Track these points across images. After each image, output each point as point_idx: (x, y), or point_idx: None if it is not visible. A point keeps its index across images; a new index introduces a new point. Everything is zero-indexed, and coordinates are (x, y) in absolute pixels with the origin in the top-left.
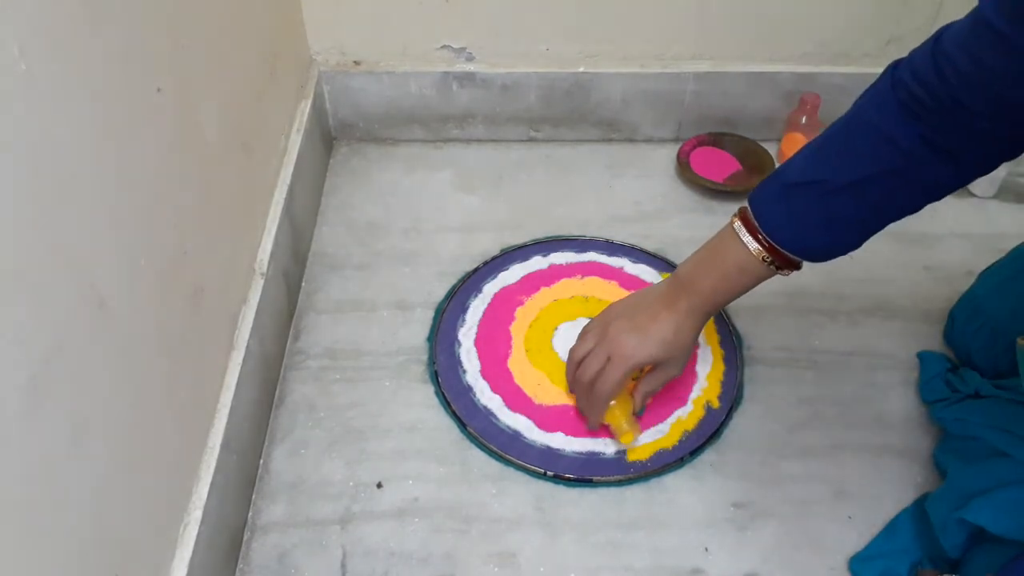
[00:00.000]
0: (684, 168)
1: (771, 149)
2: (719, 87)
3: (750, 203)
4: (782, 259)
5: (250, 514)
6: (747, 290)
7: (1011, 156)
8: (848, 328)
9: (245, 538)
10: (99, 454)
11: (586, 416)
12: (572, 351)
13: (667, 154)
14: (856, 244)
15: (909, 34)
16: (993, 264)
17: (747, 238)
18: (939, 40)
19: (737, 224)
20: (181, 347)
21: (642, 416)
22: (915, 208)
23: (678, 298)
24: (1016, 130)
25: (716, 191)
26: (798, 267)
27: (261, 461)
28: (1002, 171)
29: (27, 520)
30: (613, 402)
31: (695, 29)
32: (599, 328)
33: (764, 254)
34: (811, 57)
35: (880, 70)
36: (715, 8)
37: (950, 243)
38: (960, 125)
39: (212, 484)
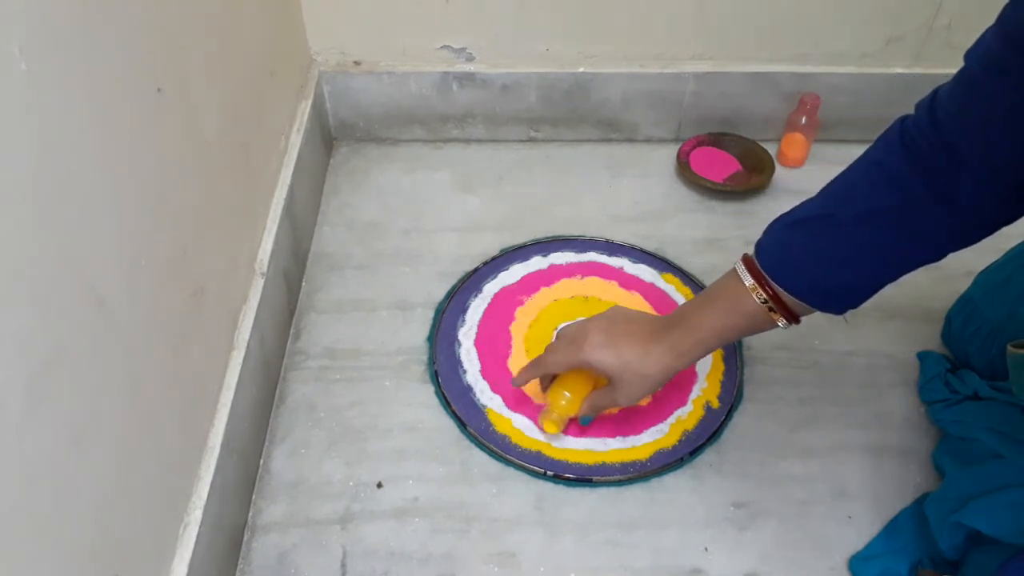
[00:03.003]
0: (684, 168)
1: (771, 149)
2: (719, 87)
3: (757, 243)
4: (777, 301)
5: (250, 514)
6: (739, 334)
7: (1012, 213)
8: (848, 328)
9: (245, 538)
10: (99, 454)
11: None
12: (562, 327)
13: (667, 154)
14: (850, 290)
15: (909, 34)
16: (989, 266)
17: (743, 271)
18: (936, 92)
19: (739, 262)
20: (181, 347)
21: (585, 428)
22: (914, 258)
23: (664, 330)
24: (1007, 180)
25: (716, 191)
26: (795, 318)
27: (261, 461)
28: None
29: (27, 520)
30: (568, 394)
31: (695, 29)
32: (590, 319)
33: (758, 290)
34: (811, 57)
35: (880, 70)
36: (715, 8)
37: None
38: (955, 170)
39: (212, 484)
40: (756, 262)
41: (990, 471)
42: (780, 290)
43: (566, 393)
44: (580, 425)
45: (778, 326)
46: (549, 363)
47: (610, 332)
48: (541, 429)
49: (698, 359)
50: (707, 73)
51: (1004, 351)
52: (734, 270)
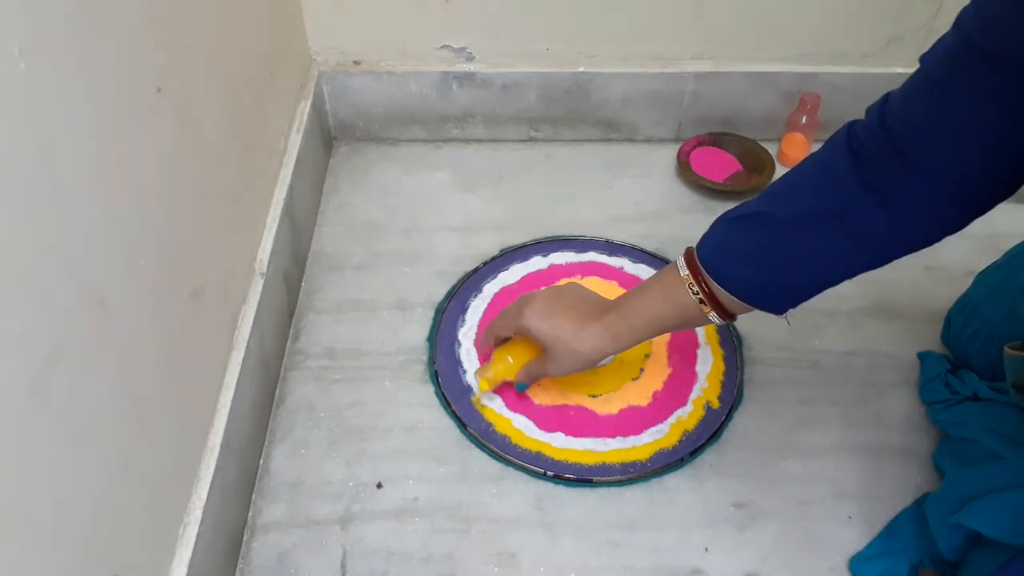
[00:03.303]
0: (684, 168)
1: (771, 149)
2: (719, 87)
3: (701, 237)
4: (711, 295)
5: (250, 514)
6: (673, 325)
7: (955, 221)
8: (848, 328)
9: (245, 538)
10: (99, 454)
11: None
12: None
13: (667, 154)
14: (783, 289)
15: (909, 34)
16: (988, 267)
17: (681, 263)
18: (887, 97)
19: (681, 255)
20: (181, 347)
21: (520, 393)
22: (850, 262)
23: (603, 312)
24: (956, 185)
25: (716, 191)
26: (729, 315)
27: (261, 461)
28: None
29: (27, 520)
30: (511, 359)
31: (695, 29)
32: (544, 289)
33: (691, 281)
34: (811, 57)
35: (880, 70)
36: (715, 8)
37: (950, 243)
38: (902, 175)
39: (212, 484)
40: (695, 255)
41: (989, 472)
42: (714, 284)
43: (509, 358)
44: (516, 391)
45: (711, 320)
46: (498, 325)
47: (554, 304)
48: (478, 384)
49: (631, 345)
50: (707, 73)
51: (1002, 351)
52: (675, 262)
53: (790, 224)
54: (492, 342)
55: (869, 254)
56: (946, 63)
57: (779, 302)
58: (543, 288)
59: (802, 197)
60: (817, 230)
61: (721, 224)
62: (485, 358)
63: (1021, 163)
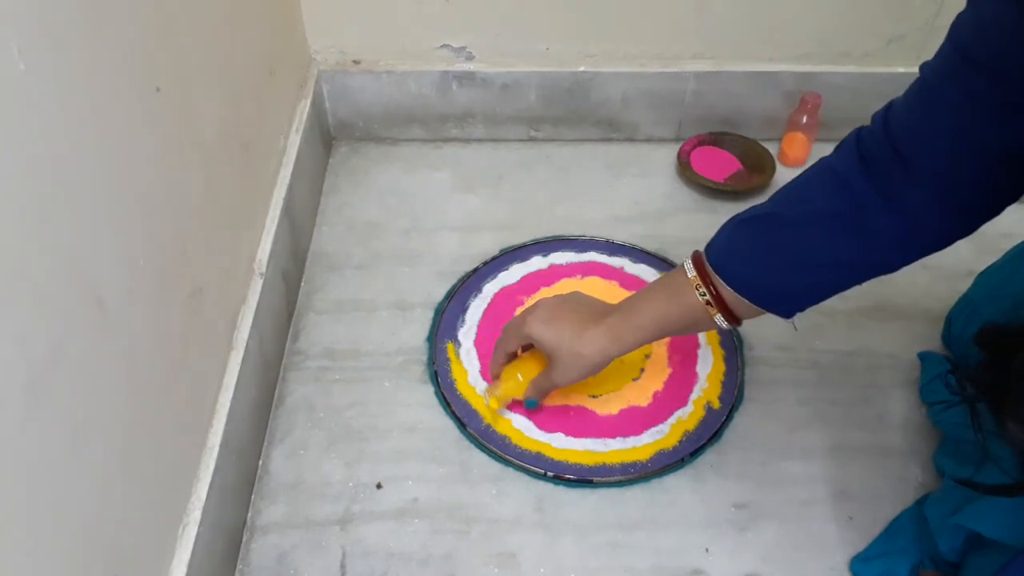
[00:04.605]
0: (684, 168)
1: (772, 149)
2: (719, 87)
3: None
4: (716, 296)
5: (249, 514)
6: (679, 326)
7: (963, 226)
8: (848, 328)
9: (244, 539)
10: (98, 454)
11: None
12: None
13: (667, 154)
14: (791, 291)
15: (910, 33)
16: (989, 267)
17: (689, 265)
18: (892, 103)
19: (688, 257)
20: (180, 347)
21: (533, 411)
22: (859, 265)
23: (606, 314)
24: (953, 192)
25: (716, 191)
26: (735, 318)
27: (260, 461)
28: None
29: (26, 520)
30: (521, 376)
31: (695, 29)
32: (547, 298)
33: (698, 281)
34: (811, 57)
35: (881, 69)
36: (716, 8)
37: None
38: (905, 181)
39: (211, 484)
40: (703, 257)
41: (988, 473)
42: (721, 285)
43: (519, 375)
44: (526, 408)
45: (717, 324)
46: (504, 340)
47: (556, 310)
48: (488, 403)
49: (636, 346)
50: (708, 72)
51: None
52: (683, 264)
53: (800, 226)
54: (502, 360)
55: (880, 257)
56: (942, 72)
57: (788, 305)
58: (548, 298)
59: (812, 200)
60: (827, 233)
61: (730, 226)
62: (494, 378)
63: (1021, 169)
